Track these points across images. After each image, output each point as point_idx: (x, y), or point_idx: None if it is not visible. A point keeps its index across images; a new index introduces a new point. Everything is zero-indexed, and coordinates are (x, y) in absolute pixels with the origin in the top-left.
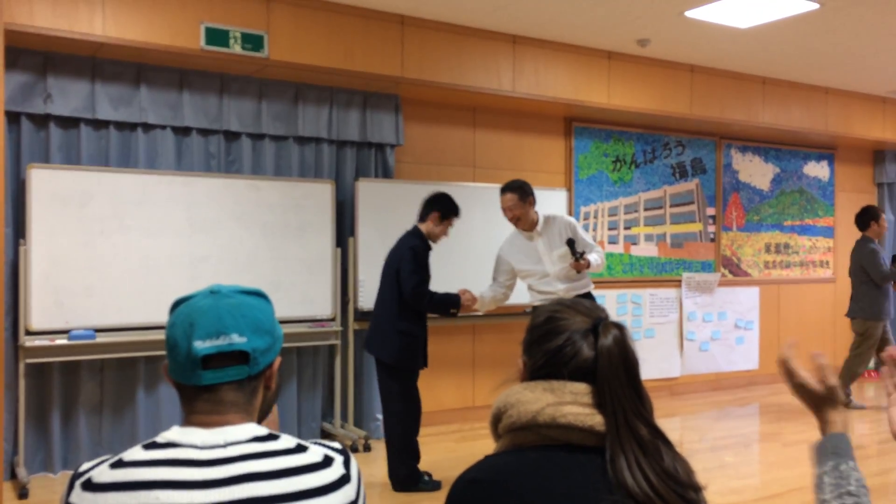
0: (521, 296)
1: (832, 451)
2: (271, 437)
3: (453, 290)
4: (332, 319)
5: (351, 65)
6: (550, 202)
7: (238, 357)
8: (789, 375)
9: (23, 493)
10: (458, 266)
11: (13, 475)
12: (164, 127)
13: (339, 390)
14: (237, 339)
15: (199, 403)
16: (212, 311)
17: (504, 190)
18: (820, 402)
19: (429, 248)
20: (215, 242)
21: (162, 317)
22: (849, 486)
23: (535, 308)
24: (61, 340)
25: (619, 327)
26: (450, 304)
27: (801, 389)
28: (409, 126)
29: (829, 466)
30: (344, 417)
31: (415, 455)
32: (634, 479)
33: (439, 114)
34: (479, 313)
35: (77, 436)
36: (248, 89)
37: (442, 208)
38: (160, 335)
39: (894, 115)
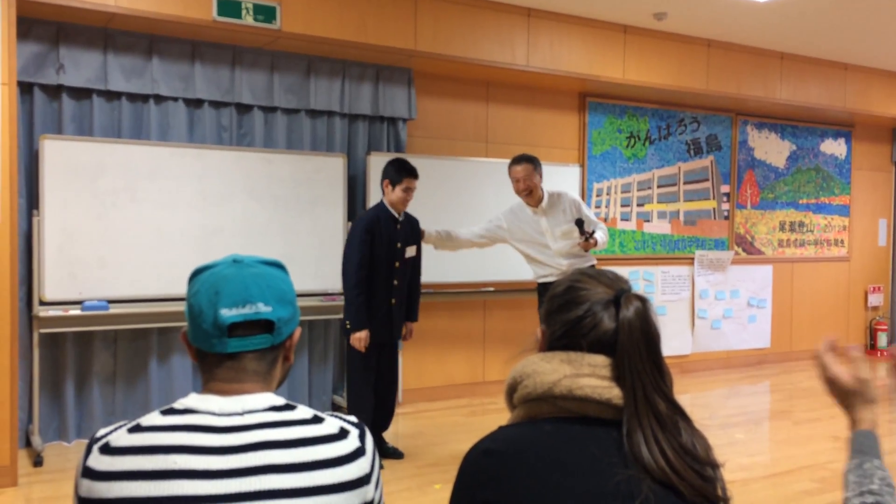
0: (529, 272)
1: (858, 448)
2: (288, 407)
3: (465, 263)
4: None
5: (364, 37)
6: (564, 178)
7: (263, 326)
8: (823, 369)
9: (37, 461)
10: None
11: (28, 443)
12: (176, 99)
13: None
14: (263, 308)
15: (220, 371)
16: (237, 279)
17: (518, 160)
18: (851, 397)
19: (377, 221)
20: (227, 215)
21: (174, 289)
22: (871, 485)
23: (557, 280)
24: (75, 311)
25: (642, 299)
26: (355, 321)
27: (832, 384)
28: (421, 100)
29: (853, 464)
30: None
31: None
32: (651, 454)
33: (452, 88)
34: (490, 290)
35: (90, 405)
36: (260, 61)
37: (387, 175)
38: (173, 307)
39: None
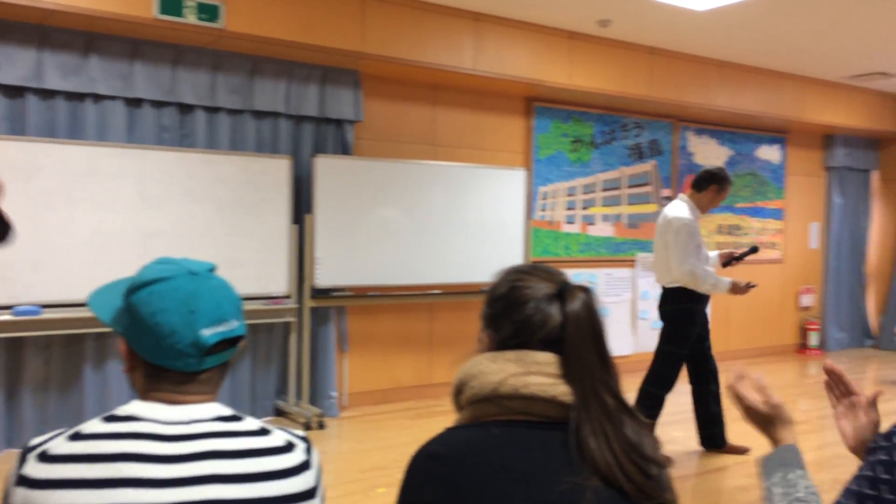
0: (478, 273)
1: (779, 462)
2: (235, 418)
3: (411, 265)
4: (288, 297)
5: (310, 38)
6: (510, 182)
7: (232, 341)
8: (738, 399)
9: None
10: (417, 243)
11: None
12: (114, 98)
13: (294, 368)
14: (235, 324)
15: (169, 382)
16: (209, 295)
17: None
18: (768, 421)
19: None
20: (167, 218)
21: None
22: (797, 493)
23: (495, 278)
24: (5, 316)
25: (586, 290)
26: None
27: (750, 412)
28: (369, 102)
29: (777, 477)
30: (298, 395)
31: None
32: (599, 449)
33: (400, 90)
34: (436, 292)
35: (21, 413)
36: (203, 61)
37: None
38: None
39: (845, 100)
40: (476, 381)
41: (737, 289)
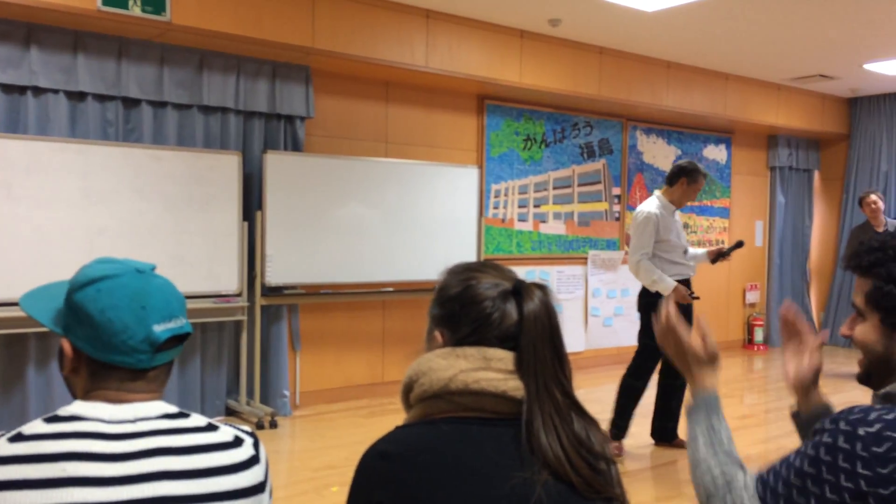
0: (430, 271)
1: (706, 407)
2: (182, 415)
3: (363, 263)
4: (238, 295)
5: (259, 33)
6: (462, 179)
7: (180, 338)
8: (676, 339)
9: None
10: (369, 240)
11: None
12: (56, 91)
13: (245, 367)
14: (183, 322)
15: (114, 380)
16: (157, 293)
17: (705, 175)
18: (700, 365)
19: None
20: (113, 215)
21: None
22: (721, 439)
23: (444, 276)
24: None
25: (543, 288)
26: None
27: (681, 353)
28: (320, 99)
29: (702, 423)
30: (250, 394)
31: None
32: (549, 443)
33: (351, 87)
34: (389, 290)
35: None
36: (148, 54)
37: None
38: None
39: (787, 101)
40: (426, 377)
41: (679, 293)
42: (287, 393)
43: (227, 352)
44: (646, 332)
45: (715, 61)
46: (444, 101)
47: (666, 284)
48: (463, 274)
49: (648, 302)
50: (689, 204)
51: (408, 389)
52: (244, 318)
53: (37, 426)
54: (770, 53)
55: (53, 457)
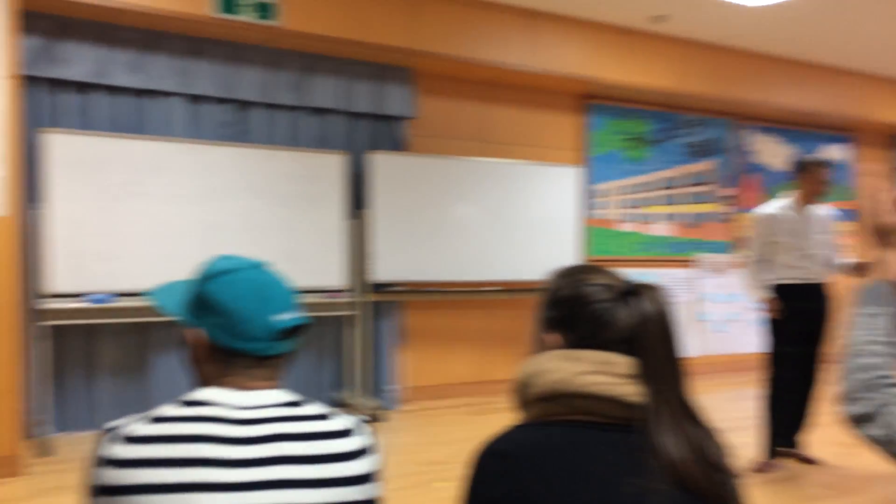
0: (531, 271)
1: (875, 297)
2: (299, 403)
3: (463, 262)
4: (346, 290)
5: (364, 36)
6: (562, 179)
7: (297, 330)
8: (875, 211)
9: (44, 450)
10: (471, 239)
11: (35, 434)
12: (176, 94)
13: (354, 361)
14: (298, 314)
15: (240, 368)
16: (276, 286)
17: (827, 164)
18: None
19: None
20: (229, 211)
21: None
22: (878, 337)
23: (553, 279)
24: (80, 304)
25: (657, 289)
26: None
27: (881, 226)
28: (422, 99)
29: (868, 310)
30: (356, 388)
31: None
32: (667, 449)
33: (453, 87)
34: (495, 290)
35: (95, 396)
36: (260, 58)
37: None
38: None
39: None
40: (539, 378)
41: (770, 306)
42: (392, 388)
43: (332, 346)
44: (774, 338)
45: (831, 57)
46: (544, 101)
47: (757, 294)
48: (573, 276)
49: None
50: (821, 192)
51: (521, 389)
52: (351, 312)
53: (172, 409)
54: (891, 47)
55: (187, 438)
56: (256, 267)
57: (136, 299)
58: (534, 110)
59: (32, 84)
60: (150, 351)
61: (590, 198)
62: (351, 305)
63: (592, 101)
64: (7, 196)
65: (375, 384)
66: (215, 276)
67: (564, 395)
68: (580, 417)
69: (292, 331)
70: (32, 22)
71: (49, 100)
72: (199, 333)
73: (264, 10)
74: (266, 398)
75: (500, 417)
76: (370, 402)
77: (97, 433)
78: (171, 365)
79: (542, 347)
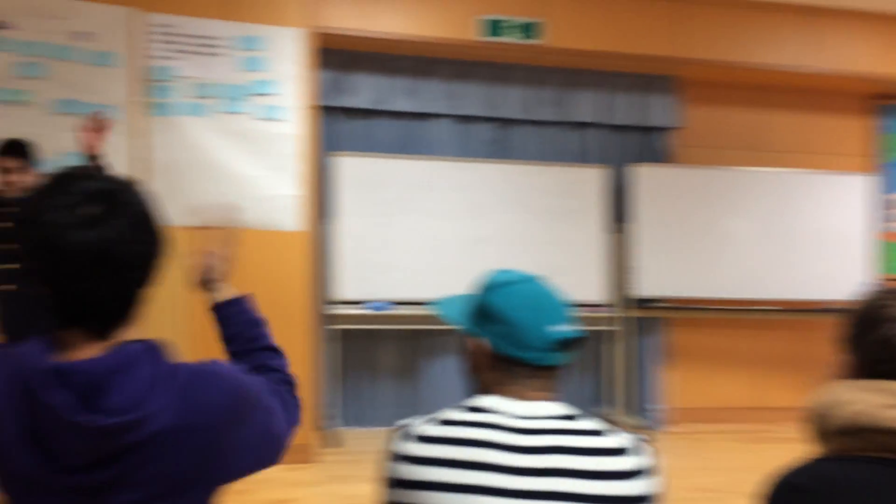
0: (814, 290)
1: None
2: (574, 417)
3: (733, 278)
4: (605, 305)
5: (627, 47)
6: (849, 189)
7: (570, 342)
8: None
9: (333, 442)
10: (742, 254)
11: (324, 426)
12: (446, 116)
13: (613, 377)
14: (572, 326)
15: (520, 378)
16: (552, 298)
17: None
18: None
19: None
20: (492, 225)
21: (446, 294)
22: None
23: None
24: (362, 310)
25: None
26: None
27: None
28: (688, 108)
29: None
30: (618, 405)
31: None
32: None
33: (721, 94)
34: (774, 308)
35: (376, 395)
36: (523, 76)
37: None
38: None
39: None
40: (839, 410)
41: None
42: (656, 407)
43: (592, 361)
44: None
45: None
46: (826, 103)
47: None
48: (877, 293)
49: None
50: None
51: (817, 420)
52: (614, 328)
53: (459, 413)
54: None
55: (472, 442)
56: (533, 280)
57: (410, 307)
58: (813, 114)
59: (326, 113)
60: (420, 356)
61: (885, 209)
62: (611, 321)
63: (885, 101)
64: (304, 213)
65: (636, 402)
66: (496, 287)
67: (867, 429)
68: (884, 454)
69: (567, 342)
70: (326, 58)
71: (339, 126)
72: (481, 342)
73: (528, 30)
74: (543, 409)
75: (780, 447)
76: (633, 421)
77: (391, 430)
78: (438, 370)
79: (840, 374)
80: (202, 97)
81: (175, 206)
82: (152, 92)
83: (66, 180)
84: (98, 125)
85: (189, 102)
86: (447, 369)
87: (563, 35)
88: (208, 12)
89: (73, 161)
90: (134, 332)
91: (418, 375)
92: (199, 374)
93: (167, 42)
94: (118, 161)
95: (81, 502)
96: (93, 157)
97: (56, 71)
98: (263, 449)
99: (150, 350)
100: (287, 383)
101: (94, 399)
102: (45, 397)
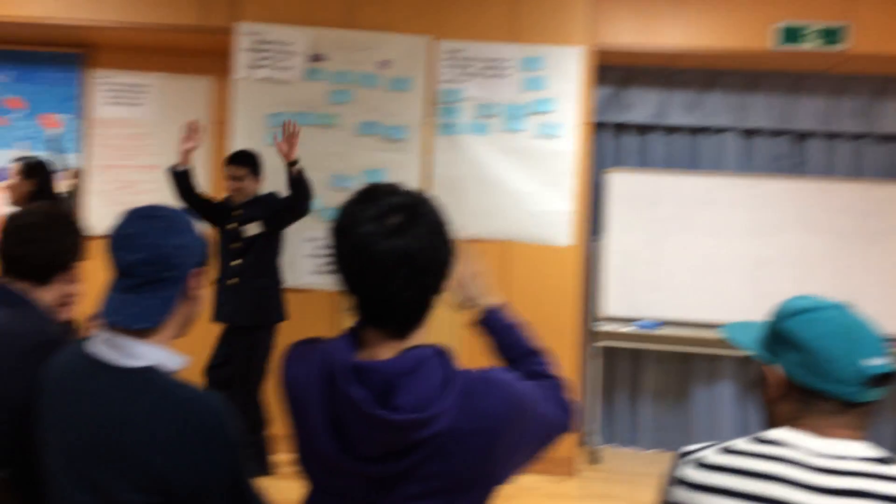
0: None
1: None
2: (886, 461)
3: None
4: None
5: None
6: None
7: (882, 378)
8: None
9: (594, 459)
10: None
11: (586, 442)
12: (730, 129)
13: None
14: (889, 360)
15: (820, 412)
16: (865, 328)
17: None
18: None
19: None
20: (778, 246)
21: (723, 316)
22: None
23: None
24: (629, 328)
25: None
26: None
27: None
28: None
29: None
30: None
31: None
32: None
33: None
34: None
35: (639, 417)
36: (821, 86)
37: None
38: (716, 333)
39: None
40: None
41: None
42: None
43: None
44: None
45: None
46: None
47: None
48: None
49: None
50: None
51: None
52: None
53: (744, 444)
54: None
55: (759, 475)
56: (841, 307)
57: (681, 328)
58: None
59: (600, 129)
60: (691, 380)
61: None
62: None
63: None
64: (575, 228)
65: None
66: (796, 313)
67: None
68: None
69: (882, 378)
70: (604, 74)
71: (613, 142)
72: (777, 371)
73: (831, 36)
74: (849, 449)
75: None
76: None
77: (673, 454)
78: (709, 395)
79: None
80: (485, 116)
81: (455, 219)
82: (440, 113)
83: (373, 195)
84: (291, 133)
85: (472, 122)
86: (719, 395)
87: (872, 40)
88: (496, 36)
89: (375, 178)
90: (424, 335)
91: (686, 399)
92: (481, 381)
93: (456, 66)
94: (409, 177)
95: (373, 489)
96: (291, 164)
97: (361, 96)
98: (532, 455)
99: (439, 355)
100: (560, 388)
101: (388, 397)
102: (347, 391)
